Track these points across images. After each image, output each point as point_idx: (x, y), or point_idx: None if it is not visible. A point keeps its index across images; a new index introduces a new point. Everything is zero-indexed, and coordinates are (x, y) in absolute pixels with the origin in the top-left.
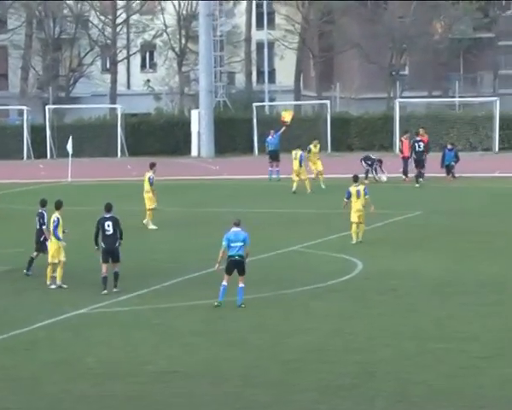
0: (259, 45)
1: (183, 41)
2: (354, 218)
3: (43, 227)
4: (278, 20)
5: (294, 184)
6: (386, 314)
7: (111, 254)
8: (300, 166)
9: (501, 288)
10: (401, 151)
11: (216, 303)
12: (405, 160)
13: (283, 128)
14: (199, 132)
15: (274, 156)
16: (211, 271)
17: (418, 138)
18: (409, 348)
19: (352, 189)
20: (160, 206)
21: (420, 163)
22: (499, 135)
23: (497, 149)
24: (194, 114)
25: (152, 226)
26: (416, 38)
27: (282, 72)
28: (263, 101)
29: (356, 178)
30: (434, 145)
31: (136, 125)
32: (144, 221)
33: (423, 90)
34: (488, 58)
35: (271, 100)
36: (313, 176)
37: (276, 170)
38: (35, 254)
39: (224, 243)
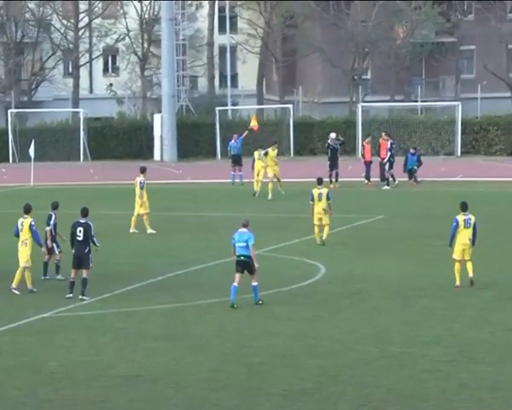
0: (222, 49)
1: (146, 45)
2: (315, 220)
3: (47, 228)
4: (241, 24)
5: (257, 187)
6: (349, 318)
7: (79, 260)
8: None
9: (463, 292)
10: (363, 156)
11: (230, 305)
12: (368, 164)
13: (246, 132)
14: (161, 137)
15: (236, 160)
16: (174, 275)
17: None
18: (372, 352)
19: (315, 191)
20: (124, 210)
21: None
22: (461, 139)
23: (459, 153)
24: (157, 118)
25: (151, 231)
26: (378, 42)
27: (244, 76)
28: (225, 105)
29: (320, 181)
30: (397, 149)
31: (98, 130)
32: (131, 230)
33: (386, 94)
34: (450, 63)
35: (234, 104)
36: (274, 180)
37: (239, 174)
38: (47, 257)
39: (232, 243)
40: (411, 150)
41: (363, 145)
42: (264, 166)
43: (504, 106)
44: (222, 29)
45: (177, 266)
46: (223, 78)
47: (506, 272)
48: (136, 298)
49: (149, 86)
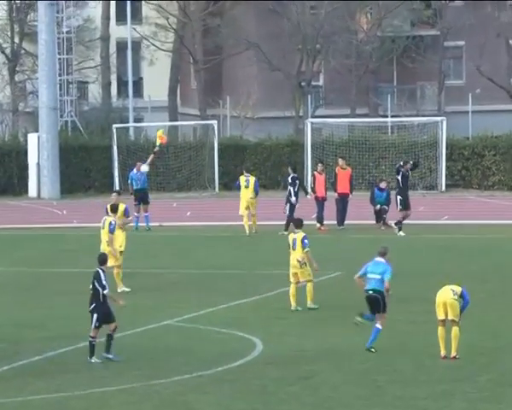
0: (121, 45)
1: (17, 40)
2: (290, 276)
3: None
4: (147, 11)
5: (246, 226)
6: None
7: None
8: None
9: (450, 375)
10: (313, 190)
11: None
12: (320, 202)
13: (151, 156)
14: (38, 164)
15: (141, 197)
16: (54, 354)
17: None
18: None
19: (290, 237)
20: None
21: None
22: (447, 168)
23: (443, 186)
24: (33, 139)
25: (123, 288)
26: (333, 36)
27: (152, 82)
28: (126, 121)
29: (298, 224)
30: (360, 182)
31: None
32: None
33: (344, 106)
34: (431, 64)
35: (138, 120)
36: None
37: (145, 215)
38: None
39: (361, 273)
40: (382, 184)
41: (313, 175)
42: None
43: (504, 123)
44: (121, 18)
45: (58, 342)
46: (122, 84)
47: (507, 349)
48: (3, 386)
49: (22, 96)
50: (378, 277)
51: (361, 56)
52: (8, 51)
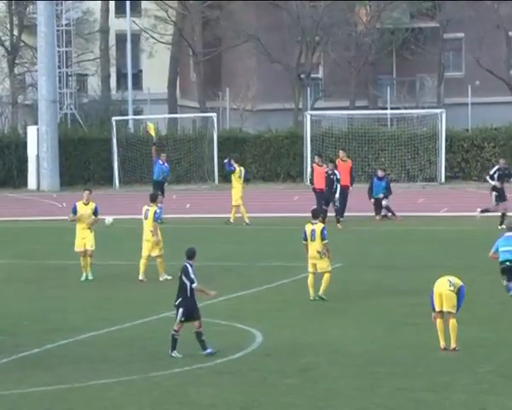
0: (120, 38)
1: (16, 32)
2: (309, 267)
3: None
4: (146, 3)
5: (245, 215)
6: (295, 405)
7: None
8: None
9: (449, 367)
10: (312, 182)
11: None
12: (318, 193)
13: (153, 149)
14: (38, 157)
15: (163, 189)
16: (55, 346)
17: None
18: None
19: (308, 227)
20: None
21: None
22: (446, 160)
23: (443, 178)
24: (32, 131)
25: (165, 276)
26: (333, 28)
27: (151, 74)
28: (125, 114)
29: (315, 214)
30: (359, 174)
31: None
32: (140, 277)
33: (344, 99)
34: (431, 56)
35: (137, 112)
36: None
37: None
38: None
39: (494, 249)
40: (379, 173)
41: (312, 168)
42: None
43: (504, 115)
44: (120, 11)
45: (58, 335)
46: (121, 77)
47: (507, 341)
48: (3, 378)
49: (21, 88)
50: (510, 248)
51: (360, 48)
52: (7, 44)
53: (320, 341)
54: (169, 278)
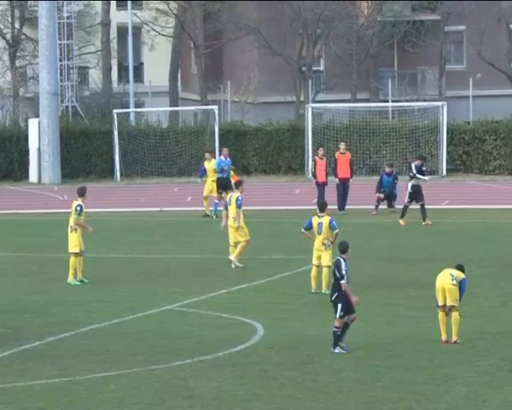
0: (121, 31)
1: (17, 25)
2: (314, 259)
3: None
4: None
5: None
6: (296, 398)
7: None
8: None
9: (450, 360)
10: (314, 175)
11: None
12: (321, 186)
13: None
14: (39, 150)
15: (226, 185)
16: (57, 339)
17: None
18: None
19: (314, 220)
20: None
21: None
22: (447, 152)
23: (444, 171)
24: (33, 124)
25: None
26: (334, 20)
27: (152, 67)
28: (127, 106)
29: (322, 207)
30: (360, 166)
31: None
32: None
33: (345, 91)
34: (432, 49)
35: (138, 105)
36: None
37: (216, 202)
38: None
39: None
40: (386, 169)
41: (314, 161)
42: None
43: (505, 107)
44: (121, 3)
45: (59, 328)
46: (122, 69)
47: (508, 334)
48: (5, 371)
49: (22, 81)
50: None
51: (361, 41)
52: (8, 36)
53: (321, 333)
54: (240, 265)
